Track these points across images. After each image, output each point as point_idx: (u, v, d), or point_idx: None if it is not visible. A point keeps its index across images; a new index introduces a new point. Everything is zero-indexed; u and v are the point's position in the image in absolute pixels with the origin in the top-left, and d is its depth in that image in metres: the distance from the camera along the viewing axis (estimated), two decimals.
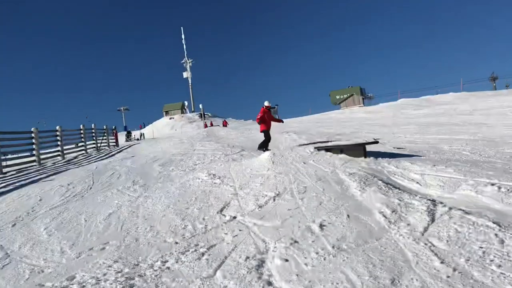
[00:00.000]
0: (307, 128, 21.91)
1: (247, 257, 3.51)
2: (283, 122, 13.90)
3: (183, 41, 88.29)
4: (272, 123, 12.25)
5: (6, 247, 4.66)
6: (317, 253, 3.38)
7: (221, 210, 5.20)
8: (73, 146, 20.23)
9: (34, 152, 14.86)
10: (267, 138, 11.76)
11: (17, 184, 9.48)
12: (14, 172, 12.38)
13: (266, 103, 11.94)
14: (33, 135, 14.77)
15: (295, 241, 3.72)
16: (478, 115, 20.75)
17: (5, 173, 12.19)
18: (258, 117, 11.84)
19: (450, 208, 4.06)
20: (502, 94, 38.87)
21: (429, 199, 4.49)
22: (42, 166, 14.25)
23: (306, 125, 26.70)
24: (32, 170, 12.66)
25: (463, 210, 3.97)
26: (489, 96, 38.03)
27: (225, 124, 55.88)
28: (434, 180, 5.27)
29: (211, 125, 55.26)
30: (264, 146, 11.58)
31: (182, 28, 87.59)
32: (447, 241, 3.31)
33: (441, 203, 4.33)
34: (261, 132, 12.05)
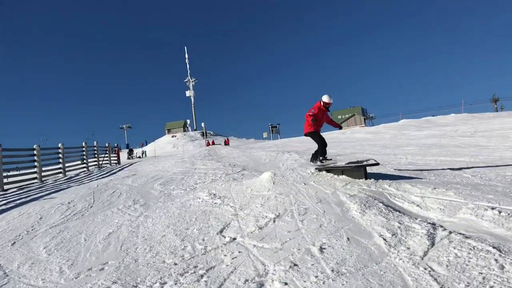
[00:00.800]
0: (309, 148, 21.94)
1: (246, 280, 3.49)
2: (341, 128, 10.49)
3: (187, 60, 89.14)
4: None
5: (5, 266, 4.65)
6: (316, 276, 3.37)
7: (221, 231, 5.19)
8: (78, 163, 20.30)
9: (36, 169, 14.89)
10: (322, 142, 8.81)
11: (17, 201, 9.49)
12: (15, 189, 12.40)
13: (325, 98, 8.77)
14: (35, 152, 14.85)
15: (295, 264, 3.71)
16: (479, 137, 20.78)
17: (6, 190, 12.22)
18: (310, 113, 8.67)
19: (450, 232, 4.06)
20: (504, 116, 38.97)
21: (429, 223, 4.48)
22: (44, 183, 14.27)
23: (308, 145, 26.72)
24: (33, 188, 12.68)
25: (463, 234, 3.97)
26: (490, 117, 38.15)
27: (227, 143, 56.11)
28: (435, 203, 5.27)
29: (213, 143, 55.52)
30: (321, 154, 8.85)
31: (185, 47, 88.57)
32: (447, 265, 3.30)
33: (441, 226, 4.32)
34: (306, 134, 9.07)
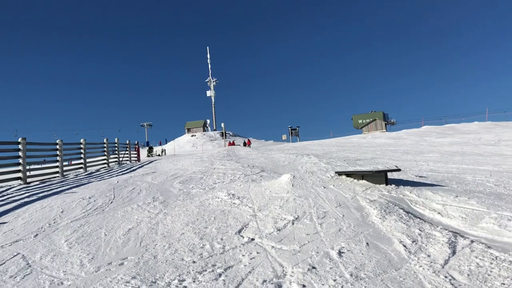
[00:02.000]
0: (328, 152, 21.84)
1: (264, 281, 3.50)
2: None
3: (208, 60, 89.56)
4: None
5: (28, 257, 4.75)
6: (334, 280, 3.36)
7: (240, 231, 5.21)
8: (98, 158, 20.55)
9: (57, 163, 15.15)
10: None
11: (40, 194, 9.67)
12: (37, 183, 12.64)
13: None
14: (57, 147, 15.11)
15: (313, 267, 3.70)
16: (504, 145, 20.38)
17: (29, 183, 12.46)
18: None
19: (472, 241, 4.00)
20: None
21: (451, 231, 4.42)
22: (65, 177, 14.51)
23: (327, 148, 26.60)
24: (54, 181, 12.91)
25: (485, 244, 3.91)
26: None
27: (248, 144, 56.13)
28: (456, 211, 5.19)
29: (233, 144, 55.64)
30: None
31: (207, 47, 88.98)
32: (468, 275, 3.25)
33: (463, 235, 4.26)
34: None
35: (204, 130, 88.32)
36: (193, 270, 3.92)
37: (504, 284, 3.03)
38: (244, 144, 55.39)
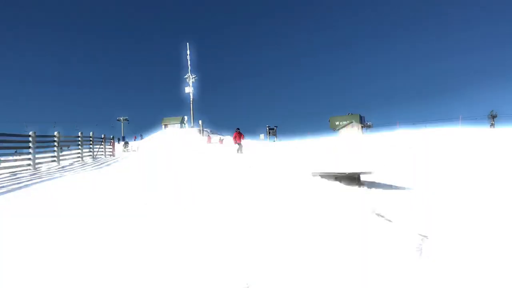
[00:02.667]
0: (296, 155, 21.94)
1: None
2: None
3: (188, 57, 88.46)
4: None
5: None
6: None
7: None
8: (73, 152, 20.19)
9: (30, 156, 14.81)
10: None
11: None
12: (8, 175, 12.38)
13: None
14: (30, 138, 14.78)
15: None
16: (474, 150, 20.90)
17: None
18: None
19: (437, 241, 4.11)
20: (500, 131, 39.17)
21: (419, 233, 4.53)
22: (37, 170, 14.25)
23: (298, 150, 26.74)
24: (26, 174, 12.67)
25: (448, 243, 4.02)
26: (487, 132, 38.30)
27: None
28: (422, 212, 5.32)
29: (209, 141, 54.65)
30: None
31: (187, 44, 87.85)
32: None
33: (427, 237, 4.38)
34: None
35: (181, 127, 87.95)
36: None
37: None
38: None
